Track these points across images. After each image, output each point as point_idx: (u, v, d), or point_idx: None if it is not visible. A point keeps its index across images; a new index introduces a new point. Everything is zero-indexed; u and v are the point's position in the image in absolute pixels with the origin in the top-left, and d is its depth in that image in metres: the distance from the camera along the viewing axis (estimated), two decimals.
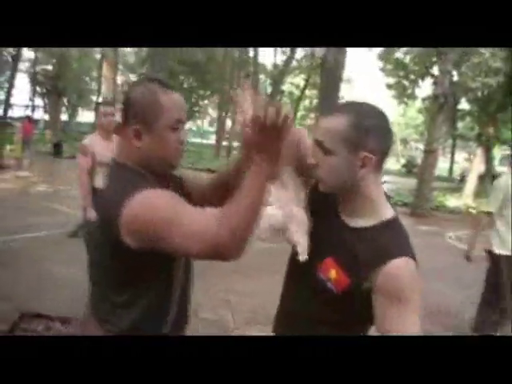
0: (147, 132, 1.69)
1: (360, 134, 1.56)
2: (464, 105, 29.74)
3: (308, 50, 31.73)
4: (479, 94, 21.50)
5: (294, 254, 1.73)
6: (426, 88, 30.67)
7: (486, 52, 16.91)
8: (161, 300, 1.78)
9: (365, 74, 79.83)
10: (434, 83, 17.05)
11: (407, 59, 27.28)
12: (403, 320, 1.53)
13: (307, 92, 35.45)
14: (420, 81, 28.53)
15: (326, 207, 1.77)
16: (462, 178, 26.30)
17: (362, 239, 1.62)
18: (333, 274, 1.65)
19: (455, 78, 20.86)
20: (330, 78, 10.16)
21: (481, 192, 20.88)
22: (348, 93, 43.63)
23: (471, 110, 26.90)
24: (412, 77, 28.43)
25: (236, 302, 5.57)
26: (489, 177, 32.09)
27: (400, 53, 26.68)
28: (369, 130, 1.57)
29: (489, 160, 26.85)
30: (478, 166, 21.08)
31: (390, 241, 1.60)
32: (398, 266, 1.52)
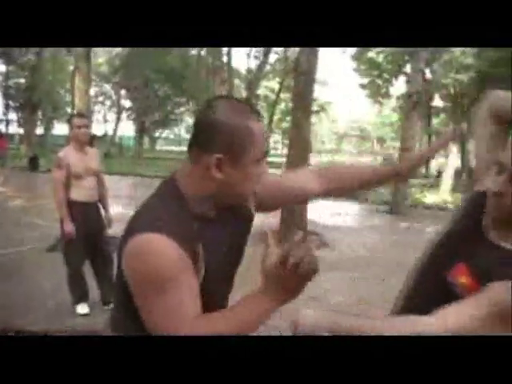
0: (232, 163, 1.43)
1: None
2: (438, 102, 30.10)
3: (281, 53, 31.83)
4: (451, 90, 21.77)
5: (432, 252, 1.77)
6: (399, 86, 30.93)
7: (456, 49, 17.11)
8: None
9: (339, 75, 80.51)
10: (407, 81, 17.18)
11: (380, 58, 27.48)
12: None
13: (282, 95, 35.51)
14: (393, 79, 28.75)
15: (472, 221, 1.71)
16: (439, 174, 26.53)
17: (505, 260, 1.56)
18: (463, 279, 1.62)
19: (428, 76, 21.08)
20: (303, 81, 10.18)
21: (458, 187, 21.12)
22: (322, 94, 43.93)
23: (445, 107, 27.22)
24: (385, 76, 28.64)
25: None
26: (465, 171, 32.52)
27: (373, 52, 26.86)
28: None
29: (464, 155, 27.15)
30: (454, 161, 21.30)
31: None
32: None
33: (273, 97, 36.72)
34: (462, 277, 1.62)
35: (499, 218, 1.61)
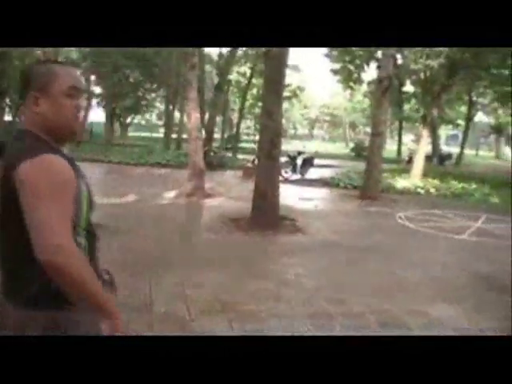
0: (44, 97, 1.79)
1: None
2: (409, 87, 30.29)
3: None
4: (422, 76, 21.94)
5: None
6: (371, 72, 31.05)
7: None
8: None
9: (311, 60, 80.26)
10: (378, 67, 17.25)
11: None
12: None
13: (254, 81, 35.39)
14: (365, 65, 28.84)
15: None
16: (410, 159, 26.79)
17: None
18: None
19: (399, 62, 21.20)
20: (274, 66, 10.15)
21: (428, 172, 21.35)
22: (294, 80, 43.82)
23: (415, 92, 27.41)
24: (357, 61, 28.70)
25: (190, 294, 5.54)
26: (435, 156, 32.90)
27: None
28: None
29: (435, 140, 27.45)
30: (425, 147, 21.52)
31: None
32: None
33: (245, 82, 36.56)
34: None
35: None
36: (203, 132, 19.63)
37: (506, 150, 57.33)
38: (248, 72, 36.10)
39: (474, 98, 35.37)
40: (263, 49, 10.74)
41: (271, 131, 10.11)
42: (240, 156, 27.38)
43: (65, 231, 1.60)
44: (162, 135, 41.16)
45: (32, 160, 1.63)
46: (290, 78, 38.63)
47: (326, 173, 21.62)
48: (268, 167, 10.21)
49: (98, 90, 43.61)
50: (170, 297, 5.44)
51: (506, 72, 23.13)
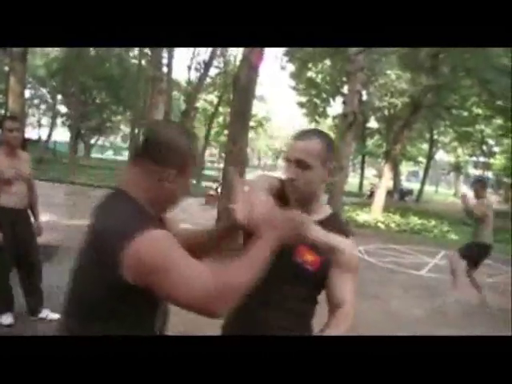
0: (181, 177, 1.76)
1: (331, 154, 2.13)
2: (373, 123, 30.85)
3: (222, 67, 31.99)
4: (386, 113, 22.40)
5: None
6: (336, 106, 31.52)
7: (391, 73, 17.64)
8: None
9: (278, 91, 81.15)
10: (344, 102, 17.54)
11: (319, 79, 27.99)
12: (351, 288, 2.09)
13: (221, 109, 35.57)
14: (331, 100, 29.29)
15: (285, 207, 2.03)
16: (371, 194, 27.12)
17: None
18: (308, 255, 2.05)
19: (364, 98, 21.63)
20: (242, 96, 10.25)
21: (389, 206, 21.64)
22: (260, 110, 44.23)
23: (379, 128, 27.95)
24: (323, 96, 29.15)
25: None
26: (396, 192, 33.40)
27: (312, 72, 27.33)
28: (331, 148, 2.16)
29: (396, 176, 27.89)
30: (386, 182, 21.84)
31: (339, 227, 2.17)
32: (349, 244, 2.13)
33: (211, 110, 36.73)
34: (307, 254, 2.06)
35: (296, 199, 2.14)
36: None
37: (464, 188, 58.58)
38: (215, 100, 36.28)
39: (435, 137, 36.19)
40: (231, 78, 10.78)
41: (236, 160, 10.15)
42: (203, 183, 27.33)
43: (203, 275, 1.59)
44: (126, 158, 40.84)
45: (143, 237, 1.57)
46: (257, 108, 38.97)
47: None
48: (231, 195, 10.21)
49: (63, 109, 43.22)
50: None
51: (465, 113, 23.83)
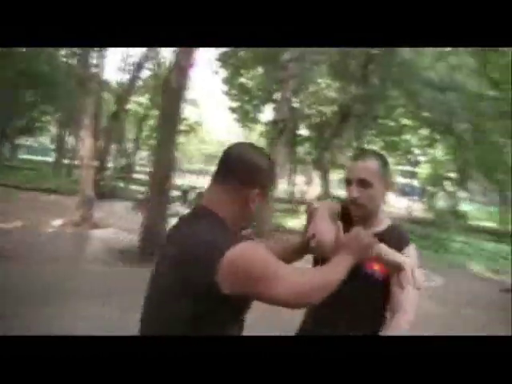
0: (263, 196, 1.89)
1: (388, 170, 2.37)
2: (303, 131, 31.22)
3: (153, 69, 31.58)
4: (316, 120, 22.72)
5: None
6: (268, 113, 31.73)
7: (322, 82, 17.92)
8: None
9: (210, 96, 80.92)
10: (275, 109, 17.69)
11: (251, 85, 28.08)
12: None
13: (152, 112, 35.11)
14: (262, 106, 29.43)
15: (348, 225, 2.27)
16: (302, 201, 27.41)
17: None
18: (377, 267, 2.27)
19: (295, 105, 21.88)
20: (171, 99, 10.15)
21: None
22: (192, 114, 43.97)
23: (309, 136, 28.29)
24: (255, 102, 29.26)
25: (86, 328, 5.31)
26: (325, 199, 33.82)
27: (244, 78, 27.40)
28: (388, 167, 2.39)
29: (325, 183, 28.31)
30: (315, 189, 22.15)
31: (398, 236, 2.41)
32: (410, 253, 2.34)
33: (142, 112, 36.21)
34: (375, 265, 2.27)
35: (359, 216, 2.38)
36: (96, 160, 19.12)
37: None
38: (146, 103, 35.81)
39: (364, 146, 37.01)
40: (161, 81, 10.67)
41: (164, 164, 10.04)
42: (133, 187, 26.90)
43: (296, 273, 1.76)
44: (52, 159, 39.70)
45: (237, 248, 1.66)
46: (189, 112, 38.70)
47: None
48: (159, 200, 10.11)
49: None
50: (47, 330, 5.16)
51: (392, 123, 24.52)
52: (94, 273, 8.35)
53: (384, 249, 2.17)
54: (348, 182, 2.36)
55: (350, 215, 2.42)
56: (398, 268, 2.15)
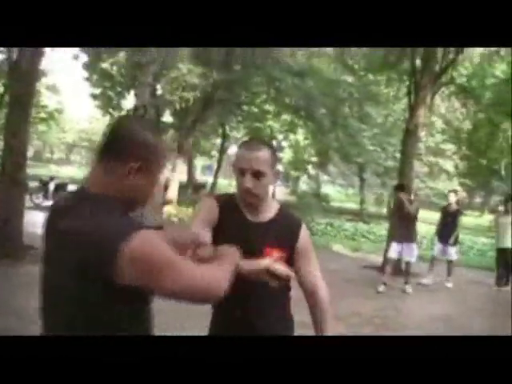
0: (145, 171, 1.74)
1: (276, 159, 2.43)
2: (167, 117, 31.03)
3: (5, 52, 29.82)
4: (178, 107, 22.60)
5: None
6: (131, 99, 31.16)
7: (183, 67, 17.84)
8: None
9: (70, 82, 78.08)
10: (136, 95, 17.38)
11: (114, 70, 27.34)
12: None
13: (7, 99, 33.17)
14: (126, 92, 28.85)
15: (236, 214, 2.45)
16: (165, 188, 27.25)
17: (271, 227, 2.42)
18: (277, 254, 2.22)
19: (159, 92, 21.67)
20: (23, 83, 9.59)
21: (183, 202, 21.91)
22: (52, 101, 42.18)
23: (173, 123, 28.15)
24: (118, 88, 28.62)
25: None
26: (190, 186, 33.97)
27: (107, 64, 26.59)
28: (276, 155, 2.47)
29: (190, 170, 28.40)
30: (180, 176, 22.09)
31: (291, 217, 2.56)
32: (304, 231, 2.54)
33: None
34: (274, 254, 2.23)
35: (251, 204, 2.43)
36: None
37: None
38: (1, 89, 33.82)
39: (228, 132, 37.46)
40: (11, 66, 10.01)
41: (16, 153, 9.50)
42: None
43: (194, 268, 1.74)
44: None
45: (136, 238, 1.57)
46: (48, 100, 37.02)
47: None
48: (11, 191, 9.55)
49: None
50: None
51: (256, 110, 25.05)
52: None
53: (248, 263, 2.12)
54: (240, 172, 2.35)
55: (237, 204, 2.46)
56: (263, 273, 2.14)
